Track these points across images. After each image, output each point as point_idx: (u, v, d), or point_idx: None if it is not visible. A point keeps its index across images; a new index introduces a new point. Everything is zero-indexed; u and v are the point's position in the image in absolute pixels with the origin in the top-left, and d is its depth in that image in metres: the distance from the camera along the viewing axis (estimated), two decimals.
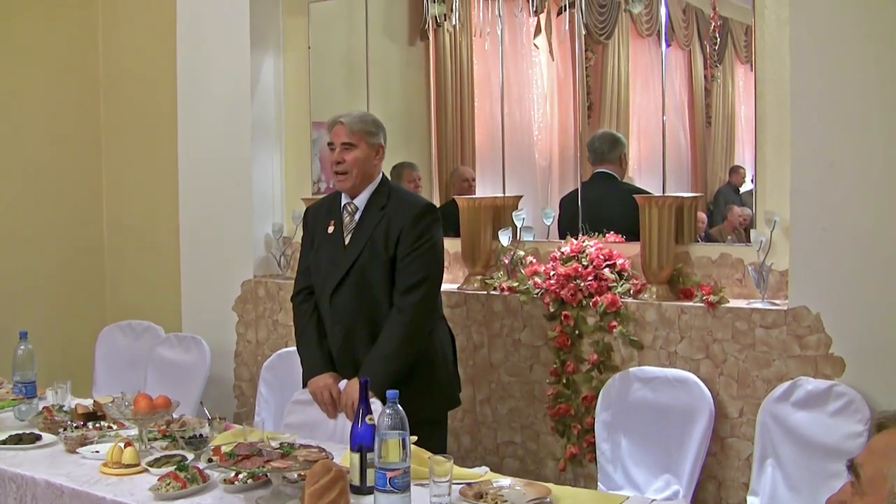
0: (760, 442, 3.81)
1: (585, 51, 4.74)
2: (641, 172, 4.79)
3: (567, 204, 4.88)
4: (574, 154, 4.86)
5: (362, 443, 3.01)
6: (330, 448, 3.27)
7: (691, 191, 4.55)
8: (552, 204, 5.02)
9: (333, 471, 2.80)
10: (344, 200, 3.99)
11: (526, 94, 5.09)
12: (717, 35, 4.41)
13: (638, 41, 4.75)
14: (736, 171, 4.52)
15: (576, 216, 4.70)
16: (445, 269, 4.26)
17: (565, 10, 4.75)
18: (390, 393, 2.83)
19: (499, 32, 4.93)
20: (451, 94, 5.28)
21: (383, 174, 4.03)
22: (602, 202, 4.71)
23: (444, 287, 4.29)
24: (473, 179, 5.21)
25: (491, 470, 3.37)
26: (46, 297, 6.10)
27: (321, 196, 4.78)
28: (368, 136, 3.93)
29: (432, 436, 3.70)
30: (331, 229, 3.98)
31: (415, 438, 3.04)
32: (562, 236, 4.68)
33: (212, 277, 5.70)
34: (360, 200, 3.95)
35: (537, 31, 4.95)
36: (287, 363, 4.76)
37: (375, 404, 3.23)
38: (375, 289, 3.86)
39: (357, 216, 3.94)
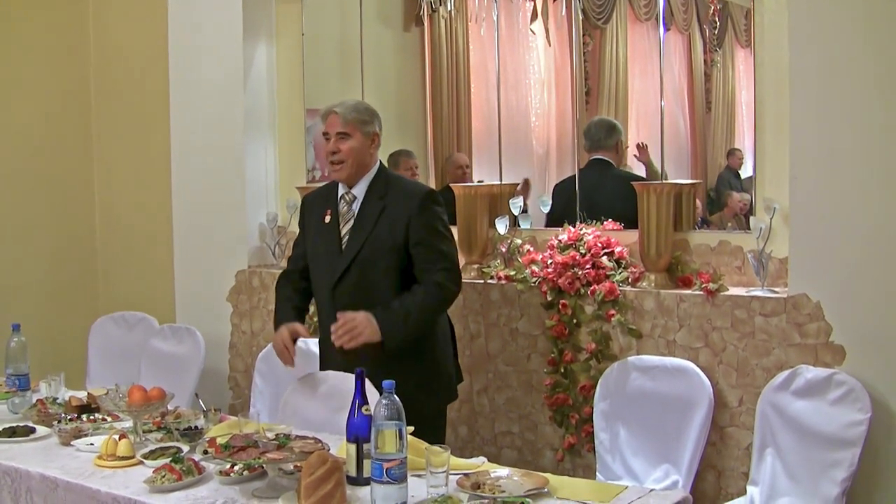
0: (760, 431, 3.78)
1: (583, 35, 4.71)
2: (648, 155, 4.74)
3: (561, 191, 4.84)
4: (572, 141, 4.83)
5: (358, 433, 3.00)
6: (326, 439, 3.25)
7: (691, 177, 4.51)
8: (549, 191, 4.97)
9: (330, 462, 2.79)
10: (341, 190, 3.96)
11: (523, 80, 5.05)
12: (717, 19, 4.37)
13: (636, 25, 4.71)
14: (732, 153, 4.49)
15: (568, 204, 4.67)
16: None
17: None
18: (386, 383, 2.81)
19: (494, 18, 4.89)
20: (446, 80, 5.25)
21: (380, 162, 3.99)
22: (598, 189, 4.67)
23: None
24: (468, 166, 5.18)
25: (488, 460, 3.35)
26: (39, 289, 6.07)
27: (316, 185, 4.75)
28: (363, 124, 3.88)
29: (433, 429, 3.68)
30: (327, 219, 3.95)
31: (412, 429, 3.01)
32: (556, 224, 4.64)
33: (205, 268, 5.67)
34: (359, 190, 3.91)
35: (534, 16, 4.91)
36: None
37: (372, 395, 3.19)
38: (379, 278, 3.82)
39: (356, 206, 3.90)
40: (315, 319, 4.53)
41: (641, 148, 4.67)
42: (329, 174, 4.05)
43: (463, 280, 4.58)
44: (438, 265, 3.80)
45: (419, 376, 3.78)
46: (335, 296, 3.89)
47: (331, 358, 3.95)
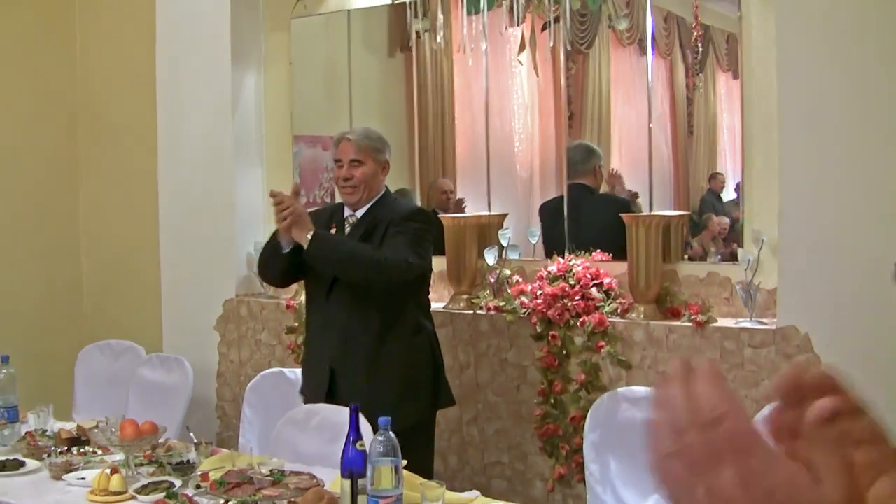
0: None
1: (566, 60, 4.73)
2: (624, 182, 4.76)
3: (547, 212, 4.86)
4: (555, 165, 4.86)
5: (353, 468, 2.99)
6: (319, 472, 3.26)
7: (674, 200, 4.54)
8: (535, 218, 4.99)
9: (325, 499, 2.79)
10: (346, 212, 4.05)
11: (507, 105, 5.06)
12: (699, 44, 4.40)
13: (619, 50, 4.74)
14: (714, 177, 4.52)
15: (556, 225, 4.70)
16: (431, 289, 4.24)
17: (549, 25, 4.74)
18: (382, 420, 2.82)
19: (483, 49, 4.91)
20: (431, 105, 5.25)
21: (386, 187, 4.09)
22: (580, 214, 4.68)
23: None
24: (452, 192, 5.20)
25: (479, 490, 3.35)
26: (24, 318, 6.01)
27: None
28: (375, 152, 3.99)
29: (418, 440, 3.74)
30: (332, 231, 4.00)
31: (405, 462, 3.02)
32: (547, 245, 4.68)
33: (193, 296, 5.65)
34: (361, 213, 4.01)
35: (521, 47, 4.92)
36: (272, 384, 4.72)
37: (365, 427, 3.20)
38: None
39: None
40: (300, 340, 4.58)
41: (615, 176, 4.70)
42: (341, 196, 4.12)
43: (451, 311, 4.64)
44: (392, 245, 3.83)
45: (397, 386, 3.86)
46: (329, 301, 3.95)
47: (314, 356, 4.07)
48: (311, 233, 3.73)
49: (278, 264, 4.00)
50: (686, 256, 4.39)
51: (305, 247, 3.74)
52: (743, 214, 4.17)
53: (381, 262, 3.75)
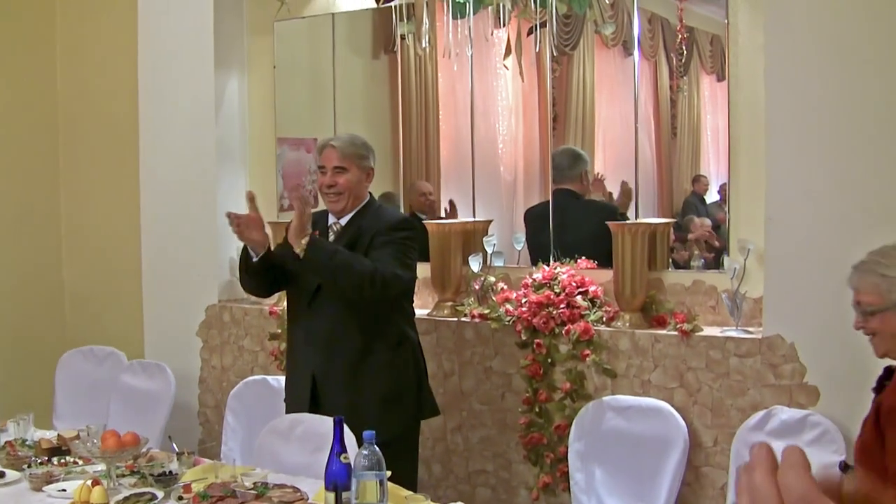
0: (735, 471, 3.79)
1: (551, 63, 4.71)
2: (607, 184, 4.74)
3: (532, 219, 4.84)
4: (540, 168, 4.84)
5: (337, 481, 2.97)
6: (303, 483, 3.23)
7: (658, 203, 4.53)
8: (519, 223, 4.96)
9: None
10: (331, 220, 4.03)
11: (491, 109, 5.04)
12: (684, 47, 4.39)
13: (603, 52, 4.71)
14: (698, 180, 4.51)
15: (540, 231, 4.68)
16: (415, 296, 4.21)
17: (536, 29, 4.72)
18: (367, 434, 2.81)
19: (469, 54, 4.88)
20: (415, 108, 5.22)
21: (371, 195, 4.07)
22: (566, 220, 4.66)
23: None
24: (431, 193, 5.17)
25: (463, 499, 3.34)
26: (4, 323, 5.96)
27: (287, 213, 4.74)
28: (360, 159, 3.96)
29: (401, 451, 3.70)
30: None
31: (389, 473, 3.00)
32: (531, 251, 4.67)
33: (175, 302, 5.60)
34: (345, 220, 3.99)
35: (507, 51, 4.90)
36: (255, 391, 4.71)
37: (350, 441, 3.17)
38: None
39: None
40: (283, 347, 4.54)
41: (598, 179, 4.68)
42: (325, 203, 4.08)
43: (435, 318, 4.62)
44: (380, 258, 3.80)
45: (380, 397, 3.84)
46: (311, 311, 3.92)
47: (297, 370, 4.01)
48: (308, 238, 3.70)
49: (252, 273, 3.98)
50: (671, 260, 4.37)
51: (300, 252, 3.70)
52: (729, 222, 4.16)
53: (373, 274, 3.71)
